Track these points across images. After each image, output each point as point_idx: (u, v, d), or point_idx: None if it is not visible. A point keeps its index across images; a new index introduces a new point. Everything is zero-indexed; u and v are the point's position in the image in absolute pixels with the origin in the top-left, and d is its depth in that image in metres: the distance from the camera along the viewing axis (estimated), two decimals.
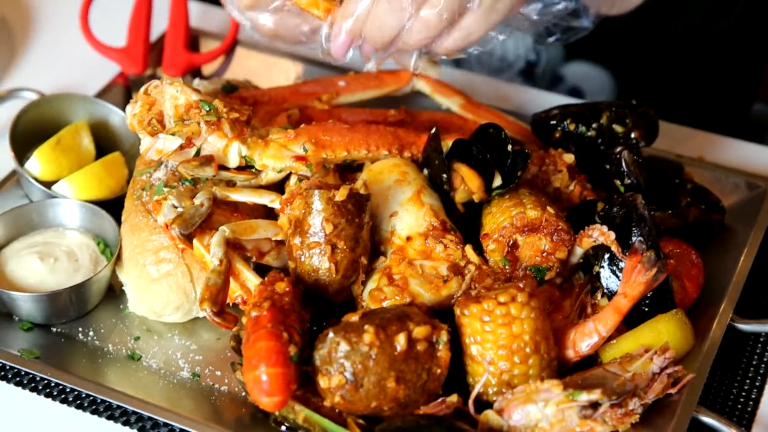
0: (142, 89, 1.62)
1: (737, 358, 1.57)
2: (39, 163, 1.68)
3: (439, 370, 1.42)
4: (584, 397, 1.39)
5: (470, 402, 1.43)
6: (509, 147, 1.59)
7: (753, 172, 1.77)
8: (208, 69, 1.99)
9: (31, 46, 2.06)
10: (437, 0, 1.47)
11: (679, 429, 1.42)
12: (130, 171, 1.72)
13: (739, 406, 1.52)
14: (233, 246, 1.52)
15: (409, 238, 1.54)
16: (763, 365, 1.57)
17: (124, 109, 1.75)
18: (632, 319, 1.50)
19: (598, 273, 1.53)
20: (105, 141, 1.77)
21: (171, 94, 1.59)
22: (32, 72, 2.01)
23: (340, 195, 1.48)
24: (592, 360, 1.50)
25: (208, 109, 1.58)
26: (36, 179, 1.68)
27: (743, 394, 1.54)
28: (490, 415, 1.41)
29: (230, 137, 1.58)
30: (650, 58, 2.15)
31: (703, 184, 1.72)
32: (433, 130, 1.59)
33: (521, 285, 1.45)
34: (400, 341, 1.39)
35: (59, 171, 1.69)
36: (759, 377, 1.55)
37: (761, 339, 1.60)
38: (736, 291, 1.58)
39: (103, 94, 1.86)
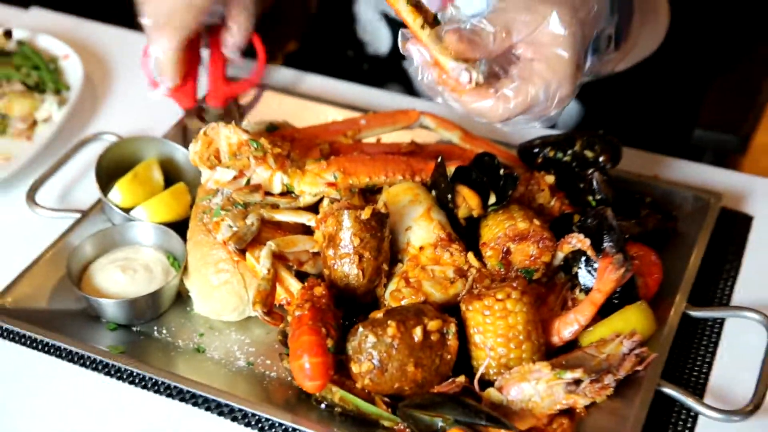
0: (202, 131, 1.61)
1: (690, 340, 1.55)
2: (120, 193, 1.67)
3: (449, 356, 1.41)
4: (569, 375, 1.38)
5: (475, 381, 1.41)
6: (501, 171, 1.57)
7: (698, 187, 1.75)
8: (251, 113, 1.97)
9: (110, 97, 2.06)
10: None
11: (646, 398, 1.40)
12: (192, 198, 1.71)
13: (693, 379, 1.50)
14: (278, 257, 1.51)
15: (421, 248, 1.52)
16: (711, 345, 1.55)
17: (185, 147, 1.75)
18: (605, 310, 1.48)
19: (576, 273, 1.52)
20: (171, 174, 1.76)
21: (225, 134, 1.58)
22: (111, 118, 2.00)
23: (365, 214, 1.47)
24: (572, 344, 1.49)
25: (255, 146, 1.57)
26: (117, 206, 1.67)
27: (696, 368, 1.52)
28: (492, 392, 1.40)
29: (274, 168, 1.57)
30: (613, 88, 2.10)
31: (658, 198, 1.70)
32: (439, 159, 1.57)
33: (515, 284, 1.43)
34: (417, 333, 1.38)
35: (135, 199, 1.67)
36: (708, 354, 1.53)
37: (709, 323, 1.58)
38: (688, 285, 1.56)
39: (168, 135, 1.85)
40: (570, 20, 1.37)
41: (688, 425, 1.44)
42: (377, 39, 2.24)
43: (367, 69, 2.32)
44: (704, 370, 1.51)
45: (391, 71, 2.17)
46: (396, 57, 2.22)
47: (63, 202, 1.79)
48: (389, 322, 1.38)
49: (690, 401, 1.41)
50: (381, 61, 2.26)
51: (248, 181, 1.57)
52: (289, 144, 1.63)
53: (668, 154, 1.89)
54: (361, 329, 1.39)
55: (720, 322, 1.57)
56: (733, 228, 1.72)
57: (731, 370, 1.51)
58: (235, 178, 1.56)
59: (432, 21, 1.38)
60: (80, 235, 1.66)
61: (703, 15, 1.79)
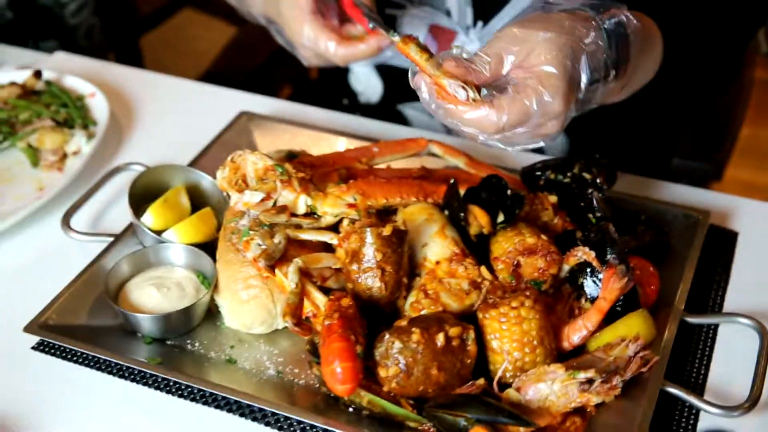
0: (229, 158, 1.65)
1: (688, 344, 1.60)
2: (152, 217, 1.70)
3: (469, 360, 1.44)
4: (582, 375, 1.42)
5: (495, 383, 1.44)
6: (508, 192, 1.61)
7: (687, 206, 1.80)
8: (264, 143, 2.00)
9: (134, 132, 2.09)
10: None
11: (651, 397, 1.44)
12: (218, 221, 1.74)
13: (692, 379, 1.54)
14: (304, 273, 1.54)
15: (437, 262, 1.56)
16: (707, 348, 1.59)
17: (211, 175, 1.79)
18: (609, 318, 1.52)
19: (582, 283, 1.56)
20: (197, 199, 1.79)
21: (252, 160, 1.62)
22: (136, 150, 2.03)
23: (387, 231, 1.51)
24: (581, 349, 1.52)
25: (281, 170, 1.61)
26: (150, 229, 1.69)
27: (695, 370, 1.56)
28: (510, 392, 1.43)
29: (298, 191, 1.61)
30: (596, 119, 2.12)
31: (651, 216, 1.75)
32: (452, 181, 1.62)
33: (528, 294, 1.47)
34: (440, 339, 1.41)
35: (166, 222, 1.70)
36: (705, 357, 1.58)
37: (704, 329, 1.62)
38: (684, 294, 1.61)
39: (193, 164, 1.88)
40: (560, 43, 1.43)
41: (691, 422, 1.48)
42: (369, 89, 2.28)
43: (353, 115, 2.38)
44: (702, 371, 1.55)
45: (382, 117, 2.22)
46: (386, 105, 2.27)
47: (96, 227, 1.82)
48: (413, 329, 1.41)
49: (693, 399, 1.45)
50: (372, 109, 2.31)
51: (275, 203, 1.60)
52: (310, 169, 1.67)
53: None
54: (387, 336, 1.42)
55: (714, 328, 1.62)
56: (721, 243, 1.78)
57: (727, 370, 1.55)
58: (262, 200, 1.60)
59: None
60: (114, 256, 1.68)
61: (679, 48, 1.83)
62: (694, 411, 1.49)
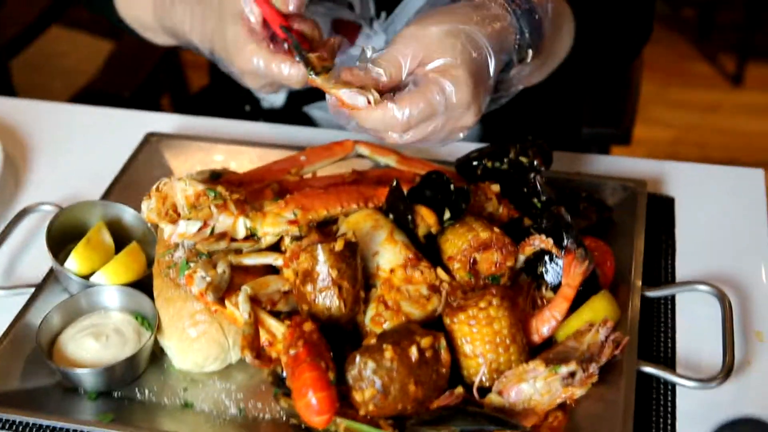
0: (154, 187, 1.51)
1: (650, 318, 1.56)
2: (76, 261, 1.55)
3: (444, 369, 1.37)
4: (564, 369, 1.36)
5: (474, 390, 1.37)
6: (451, 187, 1.54)
7: (622, 177, 1.77)
8: (179, 164, 1.86)
9: (33, 168, 1.91)
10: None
11: (630, 380, 1.40)
12: (147, 255, 1.60)
13: (662, 355, 1.51)
14: (254, 301, 1.43)
15: (392, 270, 1.47)
16: (670, 320, 1.56)
17: (130, 206, 1.65)
18: (573, 304, 1.47)
19: (542, 272, 1.50)
20: (119, 234, 1.65)
21: (181, 187, 1.49)
22: (40, 189, 1.86)
23: (338, 246, 1.41)
24: (549, 341, 1.47)
25: (214, 194, 1.49)
26: (75, 274, 1.54)
27: (661, 343, 1.53)
28: (493, 397, 1.36)
29: (236, 214, 1.49)
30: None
31: (590, 192, 1.71)
32: (395, 183, 1.53)
33: (494, 292, 1.41)
34: (413, 352, 1.33)
35: (92, 265, 1.56)
36: (670, 329, 1.55)
37: (662, 301, 1.59)
38: (638, 268, 1.57)
39: (107, 196, 1.73)
40: (457, 32, 1.41)
41: (669, 399, 1.44)
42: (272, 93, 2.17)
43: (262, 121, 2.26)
44: (670, 345, 1.52)
45: (288, 121, 2.11)
46: (291, 108, 2.16)
47: (11, 278, 1.65)
48: (385, 346, 1.33)
49: (669, 375, 1.42)
50: (277, 113, 2.20)
51: (212, 231, 1.48)
52: (243, 188, 1.55)
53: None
54: (359, 357, 1.33)
55: (672, 299, 1.59)
56: (659, 211, 1.75)
57: (693, 341, 1.52)
58: (200, 229, 1.47)
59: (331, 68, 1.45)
60: (39, 308, 1.53)
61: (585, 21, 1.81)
62: (670, 387, 1.45)
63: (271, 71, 1.50)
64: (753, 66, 4.59)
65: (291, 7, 1.50)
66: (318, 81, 1.42)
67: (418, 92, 1.39)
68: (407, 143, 1.44)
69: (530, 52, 1.50)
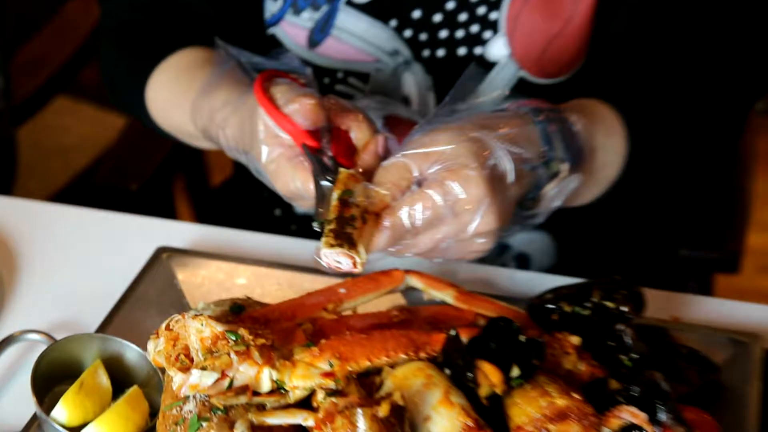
0: (163, 325, 1.50)
1: None
2: (65, 410, 1.53)
3: None
4: None
5: None
6: (521, 338, 1.52)
7: (730, 328, 1.73)
8: (193, 289, 1.85)
9: (19, 287, 1.91)
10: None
11: None
12: (150, 402, 1.59)
13: None
14: None
15: None
16: None
17: (133, 340, 1.63)
18: None
19: None
20: (118, 373, 1.63)
21: (196, 328, 1.48)
22: (26, 313, 1.86)
23: (383, 411, 1.38)
24: None
25: (235, 338, 1.47)
26: (64, 426, 1.53)
27: None
28: None
29: (261, 364, 1.47)
30: (584, 219, 2.10)
31: (691, 347, 1.68)
32: (453, 333, 1.51)
33: None
34: None
35: (85, 414, 1.54)
36: None
37: None
38: None
39: (106, 325, 1.72)
40: (466, 136, 1.49)
41: None
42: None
43: (296, 230, 2.26)
44: None
45: None
46: None
47: None
48: None
49: None
50: (312, 218, 2.20)
51: (230, 383, 1.46)
52: (269, 330, 1.54)
53: (654, 285, 1.85)
54: None
55: None
56: None
57: None
58: (217, 380, 1.45)
59: None
60: None
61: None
62: None
63: (309, 192, 1.56)
64: None
65: (307, 125, 1.56)
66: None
67: (416, 195, 1.48)
68: (421, 255, 1.54)
69: (563, 166, 1.58)
